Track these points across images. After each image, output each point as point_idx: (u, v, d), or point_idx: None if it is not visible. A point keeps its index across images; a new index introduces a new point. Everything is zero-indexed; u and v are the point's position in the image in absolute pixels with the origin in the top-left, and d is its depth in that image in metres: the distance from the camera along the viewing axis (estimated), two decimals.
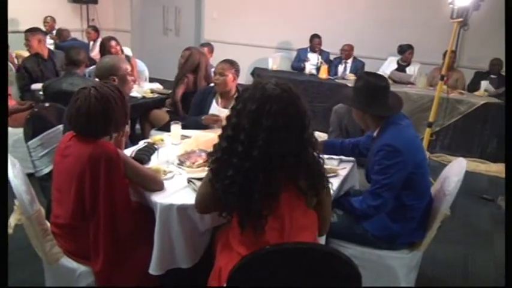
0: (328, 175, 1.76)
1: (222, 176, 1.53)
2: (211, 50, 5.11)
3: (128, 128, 2.27)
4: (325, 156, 1.93)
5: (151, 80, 5.32)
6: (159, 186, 2.00)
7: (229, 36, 7.61)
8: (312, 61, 6.41)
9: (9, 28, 4.75)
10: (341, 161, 2.53)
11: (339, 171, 2.36)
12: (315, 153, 1.58)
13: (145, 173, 2.00)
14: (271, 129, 1.46)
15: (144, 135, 3.96)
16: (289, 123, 1.48)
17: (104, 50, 4.55)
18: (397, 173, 2.06)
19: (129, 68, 2.63)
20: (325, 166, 1.67)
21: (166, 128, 3.62)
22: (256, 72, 6.24)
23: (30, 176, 2.28)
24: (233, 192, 1.51)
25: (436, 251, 2.90)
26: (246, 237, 1.58)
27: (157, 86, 4.61)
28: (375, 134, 2.27)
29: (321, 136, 2.81)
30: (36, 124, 2.76)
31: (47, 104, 2.89)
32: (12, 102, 3.89)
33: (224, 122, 2.80)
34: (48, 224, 1.96)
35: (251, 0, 7.52)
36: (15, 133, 3.72)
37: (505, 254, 1.46)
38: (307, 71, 6.24)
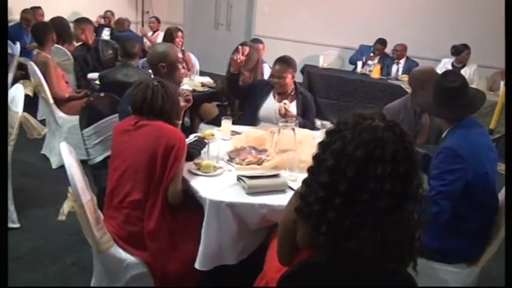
0: None
1: (316, 229, 1.28)
2: (264, 47, 5.07)
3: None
4: None
5: (201, 73, 5.36)
6: (177, 201, 2.02)
7: (279, 31, 7.54)
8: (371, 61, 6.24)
9: (73, 20, 4.98)
10: None
11: None
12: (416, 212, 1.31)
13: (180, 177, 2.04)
14: (380, 180, 1.20)
15: (193, 129, 3.99)
16: (398, 172, 1.21)
17: (169, 38, 4.68)
18: (456, 181, 1.94)
19: (180, 55, 2.65)
20: None
21: (215, 122, 3.64)
22: (306, 70, 6.14)
23: (82, 163, 2.35)
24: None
25: (493, 267, 2.73)
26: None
27: (207, 79, 4.63)
28: (443, 135, 2.16)
29: None
30: (91, 113, 2.82)
31: (102, 94, 2.95)
32: (69, 90, 4.02)
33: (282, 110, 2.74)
34: (100, 212, 1.99)
35: None
36: (70, 120, 3.85)
37: (505, 254, 1.38)
38: (358, 69, 6.08)
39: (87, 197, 1.81)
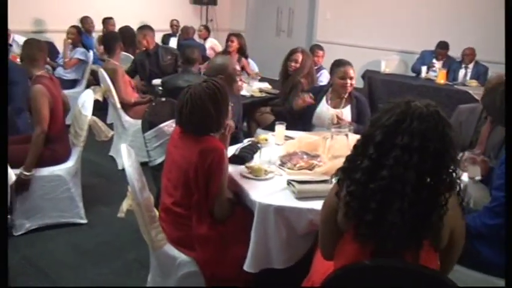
0: None
1: (346, 187, 1.39)
2: (323, 54, 5.06)
3: (232, 123, 2.36)
4: None
5: (262, 79, 5.44)
6: (222, 215, 2.04)
7: (341, 37, 7.47)
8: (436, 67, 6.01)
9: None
10: None
11: None
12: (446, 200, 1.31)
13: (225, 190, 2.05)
14: (407, 150, 1.27)
15: (250, 134, 4.05)
16: (427, 149, 1.27)
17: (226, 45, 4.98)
18: None
19: (237, 68, 2.71)
20: None
21: (271, 128, 3.68)
22: (367, 75, 6.03)
23: (144, 164, 2.48)
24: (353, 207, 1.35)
25: None
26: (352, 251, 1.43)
27: (266, 85, 4.69)
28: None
29: None
30: (153, 117, 2.97)
31: (163, 99, 3.09)
32: (135, 95, 4.24)
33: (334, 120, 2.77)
34: (156, 211, 2.10)
35: (366, 1, 7.29)
36: (136, 124, 4.04)
37: (505, 254, 1.35)
38: (422, 75, 5.86)
39: (143, 196, 1.91)
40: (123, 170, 3.77)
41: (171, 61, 4.98)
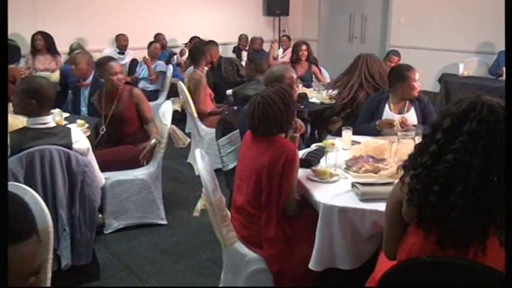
0: None
1: (412, 171, 1.45)
2: (399, 59, 4.99)
3: (303, 127, 2.48)
4: None
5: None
6: (294, 207, 2.13)
7: (415, 41, 7.25)
8: None
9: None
10: None
11: None
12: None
13: (294, 191, 2.15)
14: (472, 135, 1.33)
15: (321, 140, 4.10)
16: (493, 140, 1.32)
17: (295, 52, 5.16)
18: None
19: (294, 76, 2.81)
20: None
21: (340, 134, 3.71)
22: (444, 79, 5.82)
23: (217, 171, 2.66)
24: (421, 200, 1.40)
25: None
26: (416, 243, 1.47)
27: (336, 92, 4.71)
28: None
29: None
30: (225, 125, 3.16)
31: (235, 108, 3.27)
32: (211, 105, 4.51)
33: (398, 127, 2.77)
34: (228, 211, 2.25)
35: (440, 3, 7.03)
36: (211, 132, 4.28)
37: (505, 254, 1.25)
38: (504, 76, 5.54)
39: (216, 196, 2.07)
40: (200, 176, 4.02)
41: (231, 71, 5.25)
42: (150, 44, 6.01)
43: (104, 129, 3.28)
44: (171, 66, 5.91)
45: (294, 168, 2.09)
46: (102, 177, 2.59)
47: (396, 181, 1.59)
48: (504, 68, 5.50)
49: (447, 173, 1.34)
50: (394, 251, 1.56)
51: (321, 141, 3.93)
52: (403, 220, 1.50)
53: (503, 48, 5.93)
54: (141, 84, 5.74)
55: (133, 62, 6.19)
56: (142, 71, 5.84)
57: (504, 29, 1.52)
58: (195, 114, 4.33)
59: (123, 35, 6.42)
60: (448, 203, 1.34)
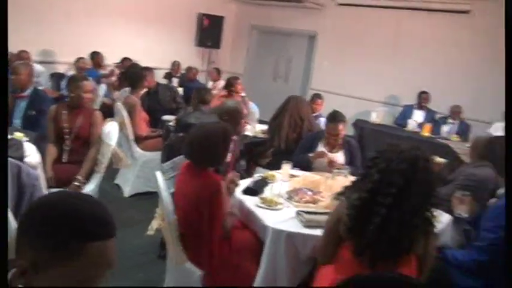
0: None
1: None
2: (322, 102, 5.51)
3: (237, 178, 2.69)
4: None
5: (260, 122, 5.81)
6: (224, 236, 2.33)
7: (335, 86, 7.89)
8: (417, 118, 6.52)
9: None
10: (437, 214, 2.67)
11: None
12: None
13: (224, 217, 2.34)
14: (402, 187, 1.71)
15: (249, 172, 4.37)
16: (410, 186, 1.71)
17: (229, 86, 5.30)
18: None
19: (246, 112, 3.09)
20: None
21: (268, 166, 4.01)
22: (359, 124, 6.47)
23: (149, 193, 2.74)
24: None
25: None
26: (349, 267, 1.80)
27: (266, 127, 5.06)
28: (500, 191, 2.41)
29: None
30: (170, 150, 3.30)
31: (181, 134, 3.43)
32: (147, 130, 4.58)
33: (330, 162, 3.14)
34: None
35: (361, 52, 7.81)
36: (145, 155, 4.40)
37: (505, 254, 1.57)
38: (409, 127, 6.35)
39: (174, 216, 2.22)
40: (130, 197, 4.12)
41: (169, 97, 5.41)
42: (78, 59, 5.93)
43: (68, 145, 3.29)
44: (103, 86, 5.87)
45: (222, 197, 2.27)
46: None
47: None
48: (408, 120, 6.31)
49: (384, 208, 1.70)
50: (330, 258, 1.89)
51: (249, 172, 4.23)
52: (339, 234, 1.84)
53: (407, 102, 6.82)
54: None
55: (55, 76, 6.06)
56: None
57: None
58: (131, 136, 4.38)
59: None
60: (380, 231, 1.68)
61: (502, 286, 2.24)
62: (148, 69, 5.46)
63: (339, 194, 1.93)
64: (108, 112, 4.62)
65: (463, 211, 2.58)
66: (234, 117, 3.09)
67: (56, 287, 0.86)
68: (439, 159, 3.33)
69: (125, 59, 6.75)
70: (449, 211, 2.69)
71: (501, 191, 2.39)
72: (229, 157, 3.03)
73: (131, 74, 4.89)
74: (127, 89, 4.86)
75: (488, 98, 6.46)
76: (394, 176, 1.71)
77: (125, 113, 4.33)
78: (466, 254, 2.30)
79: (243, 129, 3.22)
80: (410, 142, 5.40)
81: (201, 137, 2.33)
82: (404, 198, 1.69)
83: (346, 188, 1.91)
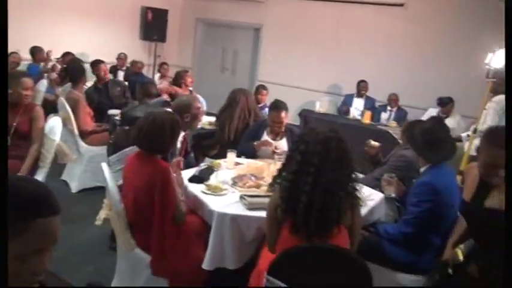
0: None
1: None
2: (267, 93, 5.66)
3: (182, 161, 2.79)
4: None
5: (208, 114, 5.88)
6: (181, 222, 2.41)
7: (281, 78, 8.13)
8: (358, 106, 6.85)
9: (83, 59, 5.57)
10: (370, 192, 2.89)
11: (367, 201, 2.72)
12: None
13: (178, 202, 2.42)
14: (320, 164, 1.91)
15: (198, 162, 4.45)
16: (327, 162, 1.91)
17: (179, 80, 5.25)
18: (430, 209, 2.41)
19: (200, 106, 3.17)
20: None
21: (216, 157, 4.11)
22: (304, 114, 6.70)
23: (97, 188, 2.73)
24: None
25: None
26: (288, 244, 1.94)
27: (214, 119, 5.15)
28: (422, 169, 2.64)
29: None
30: (117, 143, 3.33)
31: (127, 127, 3.46)
32: (92, 125, 4.55)
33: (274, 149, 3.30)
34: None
35: (305, 44, 8.05)
36: (91, 150, 4.38)
37: (505, 255, 1.63)
38: (351, 115, 6.65)
39: (121, 205, 2.28)
40: (78, 193, 4.12)
41: (119, 92, 5.38)
42: (11, 53, 5.72)
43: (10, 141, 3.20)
44: (44, 81, 5.72)
45: (171, 183, 2.35)
46: None
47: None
48: (351, 109, 6.60)
49: (308, 185, 1.88)
50: (274, 244, 2.03)
51: (198, 162, 4.32)
52: (279, 221, 1.99)
53: (348, 91, 7.14)
54: None
55: None
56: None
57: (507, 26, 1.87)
58: (76, 131, 4.34)
59: None
60: (309, 207, 1.87)
61: (427, 256, 2.50)
62: (101, 62, 5.41)
63: (274, 179, 2.07)
64: (53, 108, 4.56)
65: (391, 191, 2.82)
66: (191, 112, 3.17)
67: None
68: (374, 143, 3.58)
69: (66, 54, 6.58)
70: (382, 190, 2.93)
71: (422, 169, 2.63)
72: (180, 149, 3.13)
73: (72, 69, 4.82)
74: (69, 84, 4.80)
75: (423, 85, 6.89)
76: (312, 156, 1.89)
77: (68, 108, 4.28)
78: (395, 228, 2.54)
79: (198, 123, 3.29)
80: (352, 130, 5.86)
81: (150, 124, 2.41)
82: (322, 176, 1.87)
83: (278, 172, 2.05)
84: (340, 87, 7.77)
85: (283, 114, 3.57)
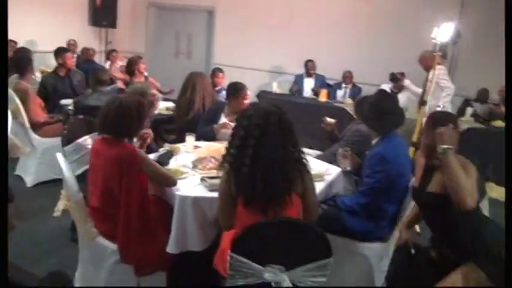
0: (315, 180, 2.22)
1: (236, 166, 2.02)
2: (223, 76, 5.64)
3: (151, 132, 2.81)
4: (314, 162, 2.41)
5: (164, 100, 5.81)
6: (172, 183, 2.47)
7: (236, 60, 8.10)
8: (309, 85, 6.98)
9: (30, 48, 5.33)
10: (328, 167, 2.99)
11: (325, 176, 2.81)
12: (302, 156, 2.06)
13: (162, 172, 2.47)
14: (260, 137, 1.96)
15: (157, 148, 4.41)
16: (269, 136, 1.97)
17: (131, 67, 5.13)
18: (383, 179, 2.52)
19: (156, 93, 3.14)
20: (312, 172, 2.16)
21: (175, 142, 4.10)
22: (261, 95, 6.74)
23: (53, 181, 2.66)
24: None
25: None
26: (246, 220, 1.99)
27: (171, 104, 5.11)
28: (373, 142, 2.73)
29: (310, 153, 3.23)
30: (71, 133, 3.25)
31: (80, 117, 3.38)
32: (44, 116, 4.40)
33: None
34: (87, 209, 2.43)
35: (257, 27, 8.06)
36: (44, 142, 4.26)
37: (505, 255, 1.66)
38: (304, 94, 6.77)
39: (80, 196, 2.25)
40: (32, 187, 4.02)
41: (80, 82, 5.23)
42: None
43: None
44: None
45: (137, 166, 2.33)
46: None
47: None
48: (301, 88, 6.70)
49: (248, 158, 1.94)
50: (230, 221, 2.07)
51: (157, 148, 4.29)
52: (232, 197, 2.03)
53: (296, 72, 7.23)
54: None
55: None
56: None
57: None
58: (27, 124, 4.20)
59: None
60: (253, 179, 1.93)
61: (383, 224, 2.63)
62: (67, 50, 5.26)
63: (223, 157, 2.10)
64: None
65: (346, 165, 2.93)
66: (146, 99, 3.11)
67: None
68: (330, 120, 3.68)
69: (10, 43, 6.28)
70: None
71: (374, 141, 2.73)
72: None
73: (18, 59, 4.62)
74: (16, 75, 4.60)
75: (376, 62, 7.07)
76: (253, 129, 1.95)
77: (18, 100, 4.13)
78: (352, 199, 2.64)
79: (155, 109, 3.25)
80: (309, 108, 5.95)
81: (116, 109, 2.38)
82: (262, 147, 1.93)
83: (226, 150, 2.09)
84: (295, 67, 7.84)
85: (249, 92, 3.64)
